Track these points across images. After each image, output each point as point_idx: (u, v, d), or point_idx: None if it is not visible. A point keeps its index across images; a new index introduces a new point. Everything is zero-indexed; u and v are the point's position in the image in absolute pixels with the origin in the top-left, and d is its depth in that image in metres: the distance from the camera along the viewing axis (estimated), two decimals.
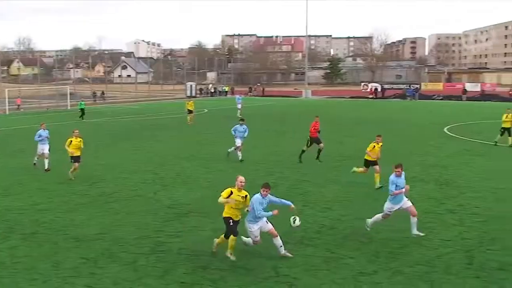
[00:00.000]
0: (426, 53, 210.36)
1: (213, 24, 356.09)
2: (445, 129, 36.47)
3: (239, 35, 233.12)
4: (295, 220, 11.54)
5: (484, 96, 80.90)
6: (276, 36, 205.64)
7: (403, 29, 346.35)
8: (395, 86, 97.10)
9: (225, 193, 11.32)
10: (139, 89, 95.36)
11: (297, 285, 10.09)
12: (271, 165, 22.98)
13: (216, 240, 11.74)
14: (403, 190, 12.97)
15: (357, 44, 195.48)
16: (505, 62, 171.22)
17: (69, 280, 10.35)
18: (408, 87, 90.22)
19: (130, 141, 31.33)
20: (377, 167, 18.26)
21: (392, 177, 12.91)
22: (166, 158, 24.86)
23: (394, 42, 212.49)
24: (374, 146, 18.41)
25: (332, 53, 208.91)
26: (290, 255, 11.53)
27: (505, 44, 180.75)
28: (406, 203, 13.09)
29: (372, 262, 11.27)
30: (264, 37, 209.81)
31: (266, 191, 11.21)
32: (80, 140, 20.18)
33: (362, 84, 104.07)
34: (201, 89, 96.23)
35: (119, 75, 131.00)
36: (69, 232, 13.40)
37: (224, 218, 11.50)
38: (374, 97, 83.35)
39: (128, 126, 41.36)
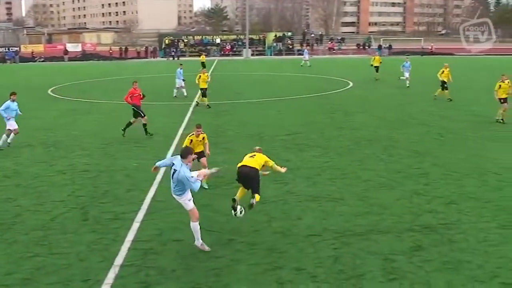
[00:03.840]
0: (24, 14, 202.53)
1: None
2: (49, 91, 36.04)
3: None
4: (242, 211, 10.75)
5: (85, 56, 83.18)
6: None
7: None
8: None
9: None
10: None
11: None
12: None
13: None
14: None
15: None
16: (103, 22, 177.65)
17: None
18: (7, 50, 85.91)
19: None
20: (204, 159, 13.82)
21: None
22: None
23: None
24: (191, 141, 13.34)
25: None
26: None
27: (102, 5, 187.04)
28: None
29: None
30: None
31: None
32: None
33: None
34: None
35: None
36: None
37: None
38: None
39: None
